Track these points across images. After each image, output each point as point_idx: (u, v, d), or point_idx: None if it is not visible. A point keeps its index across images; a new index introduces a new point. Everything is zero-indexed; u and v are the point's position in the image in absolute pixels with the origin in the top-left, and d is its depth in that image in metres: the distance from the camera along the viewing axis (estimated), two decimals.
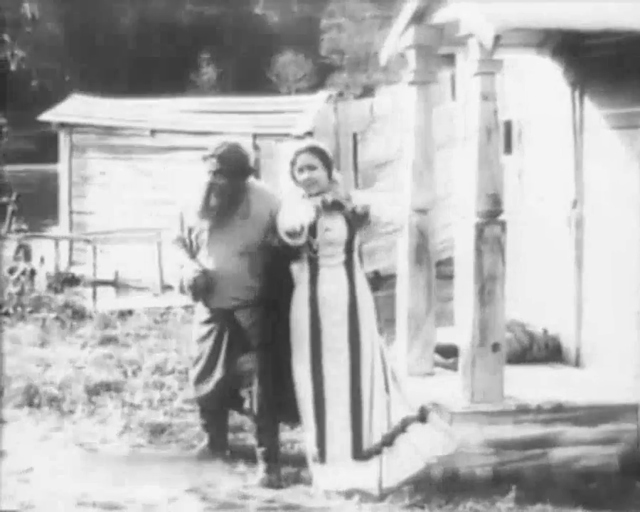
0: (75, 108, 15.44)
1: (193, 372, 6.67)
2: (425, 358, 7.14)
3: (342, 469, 6.16)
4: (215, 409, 6.75)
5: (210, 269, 6.40)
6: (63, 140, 15.18)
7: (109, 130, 14.79)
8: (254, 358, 6.41)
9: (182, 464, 6.70)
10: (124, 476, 6.47)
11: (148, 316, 11.12)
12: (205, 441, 6.83)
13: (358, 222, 6.21)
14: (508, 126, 7.85)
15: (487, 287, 6.28)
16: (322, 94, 13.58)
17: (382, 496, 6.01)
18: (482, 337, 6.29)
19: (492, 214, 6.31)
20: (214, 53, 30.92)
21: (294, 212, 6.23)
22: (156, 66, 29.11)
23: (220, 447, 6.77)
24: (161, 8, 30.73)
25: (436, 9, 6.94)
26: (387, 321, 7.66)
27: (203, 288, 6.39)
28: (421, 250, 7.12)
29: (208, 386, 6.53)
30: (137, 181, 14.32)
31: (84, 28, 29.24)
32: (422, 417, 6.29)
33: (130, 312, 11.34)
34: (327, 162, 6.31)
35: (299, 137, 12.20)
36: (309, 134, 12.23)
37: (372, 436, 6.18)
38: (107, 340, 9.98)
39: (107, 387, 8.24)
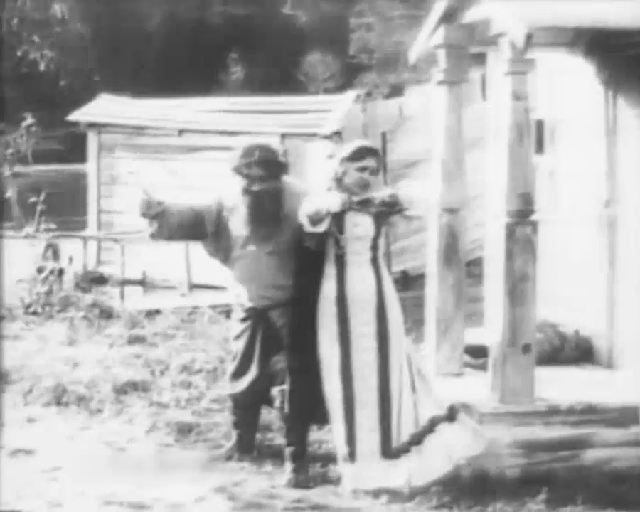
0: (104, 108, 15.46)
1: (230, 368, 6.71)
2: (454, 358, 7.10)
3: (371, 468, 6.14)
4: (247, 407, 6.73)
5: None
6: (92, 140, 15.20)
7: (138, 130, 14.80)
8: (285, 357, 6.39)
9: (209, 464, 6.67)
10: (151, 476, 6.45)
11: (176, 315, 11.11)
12: (233, 440, 6.79)
13: (388, 210, 6.18)
14: (539, 125, 7.79)
15: (518, 287, 6.24)
16: (350, 94, 13.54)
17: (411, 496, 5.98)
18: (512, 337, 6.26)
19: (523, 214, 6.27)
20: (242, 53, 30.91)
21: (318, 199, 6.23)
22: (184, 66, 29.14)
23: (248, 447, 6.74)
24: (189, 8, 30.76)
25: (466, 8, 6.90)
26: (415, 321, 7.62)
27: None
28: (451, 250, 7.08)
29: (242, 384, 6.54)
30: (165, 181, 14.31)
31: (113, 28, 29.32)
32: (451, 416, 6.23)
33: (158, 312, 11.33)
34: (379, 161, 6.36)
35: (327, 137, 12.19)
36: (337, 133, 12.20)
37: (400, 436, 6.15)
38: (134, 340, 9.97)
39: (135, 386, 8.24)
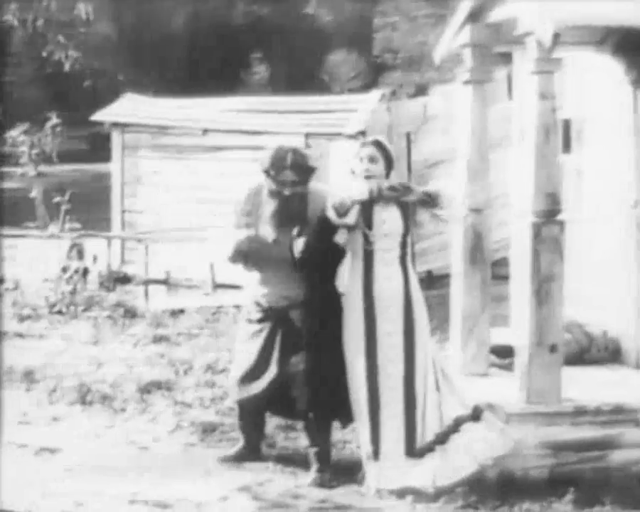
0: (127, 108, 15.49)
1: (237, 372, 6.56)
2: (480, 358, 7.06)
3: (395, 468, 6.12)
4: (260, 411, 6.68)
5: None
6: (116, 139, 15.24)
7: (161, 129, 14.82)
8: (306, 357, 6.36)
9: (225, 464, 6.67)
10: (175, 475, 6.45)
11: (200, 315, 11.12)
12: (241, 444, 6.76)
13: (426, 204, 6.21)
14: (566, 124, 7.74)
15: (544, 287, 6.20)
16: (375, 94, 13.50)
17: (436, 496, 5.96)
18: (539, 338, 6.21)
19: (550, 213, 6.23)
20: (266, 53, 30.88)
21: (345, 190, 6.25)
22: (208, 66, 29.15)
23: (255, 450, 6.72)
24: (213, 7, 30.76)
25: (492, 7, 6.87)
26: (440, 321, 7.59)
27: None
28: (476, 250, 7.04)
29: (259, 385, 6.44)
30: (189, 180, 14.33)
31: (137, 29, 29.37)
32: (476, 416, 6.20)
33: (182, 311, 11.35)
34: (388, 159, 6.30)
35: (351, 136, 12.16)
36: (362, 133, 12.17)
37: (425, 435, 6.14)
38: (158, 339, 9.99)
39: (159, 385, 8.25)
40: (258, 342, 6.48)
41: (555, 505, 5.87)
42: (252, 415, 6.69)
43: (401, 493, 6.02)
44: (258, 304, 6.52)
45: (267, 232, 6.43)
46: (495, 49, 7.17)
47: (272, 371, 6.40)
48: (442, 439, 6.12)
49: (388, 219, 6.19)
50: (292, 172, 6.30)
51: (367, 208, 6.20)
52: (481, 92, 7.08)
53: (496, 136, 7.86)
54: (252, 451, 6.70)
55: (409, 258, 6.27)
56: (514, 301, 7.02)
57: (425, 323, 6.27)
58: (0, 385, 7.36)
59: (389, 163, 6.29)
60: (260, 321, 6.51)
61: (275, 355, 6.41)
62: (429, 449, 6.11)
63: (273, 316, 6.45)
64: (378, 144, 6.30)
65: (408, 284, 6.21)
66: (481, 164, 7.03)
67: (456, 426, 6.15)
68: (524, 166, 6.39)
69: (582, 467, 6.19)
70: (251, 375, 6.48)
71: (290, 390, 6.40)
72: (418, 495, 5.98)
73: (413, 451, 6.13)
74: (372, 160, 6.23)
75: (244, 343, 6.58)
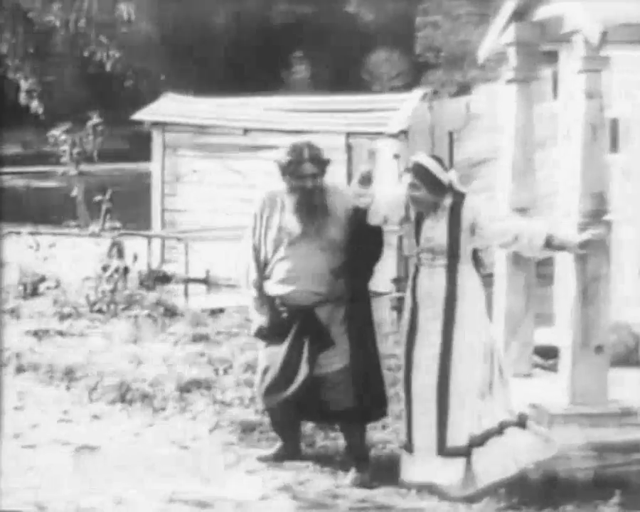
0: (168, 107, 15.53)
1: (266, 380, 6.47)
2: (524, 358, 6.99)
3: (426, 462, 6.11)
4: (289, 418, 6.61)
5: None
6: (156, 139, 15.28)
7: (202, 129, 14.84)
8: (342, 356, 6.31)
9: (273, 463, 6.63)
10: (215, 474, 6.42)
11: (240, 314, 11.08)
12: (279, 445, 6.73)
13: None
14: (614, 124, 7.65)
15: (590, 288, 6.14)
16: (417, 93, 13.43)
17: (470, 497, 5.94)
18: (585, 338, 6.17)
19: (597, 214, 6.17)
20: (307, 52, 30.91)
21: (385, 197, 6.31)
22: (249, 65, 29.23)
23: (294, 451, 6.68)
24: (253, 7, 30.83)
25: (538, 6, 6.80)
26: None
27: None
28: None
29: (292, 388, 6.33)
30: (229, 179, 14.34)
31: (178, 28, 29.50)
32: (521, 423, 6.13)
33: (221, 310, 11.34)
34: (429, 181, 6.15)
35: (393, 136, 12.11)
36: (403, 132, 12.12)
37: (459, 435, 6.05)
38: (198, 338, 9.98)
39: (198, 384, 8.23)
40: (284, 345, 6.40)
41: (600, 508, 5.81)
42: (284, 421, 6.64)
43: (424, 487, 6.05)
44: (284, 304, 6.45)
45: (285, 233, 6.40)
46: (540, 47, 7.09)
47: (303, 372, 6.31)
48: (479, 441, 6.06)
49: (433, 235, 6.15)
50: (311, 164, 6.31)
51: (418, 218, 6.21)
52: (526, 90, 7.02)
53: (541, 135, 7.76)
54: (290, 451, 6.66)
55: (460, 266, 6.16)
56: (559, 302, 6.94)
57: (476, 326, 6.17)
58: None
59: (433, 186, 6.14)
60: (286, 321, 6.44)
61: (305, 355, 6.33)
62: (463, 451, 6.06)
63: (299, 315, 6.38)
64: (417, 170, 6.16)
65: (454, 288, 6.13)
66: (526, 164, 6.96)
67: (500, 430, 6.09)
68: (570, 166, 6.33)
69: (628, 469, 6.13)
70: (279, 380, 6.39)
71: (320, 392, 6.34)
72: (442, 492, 6.00)
73: (444, 449, 6.08)
74: (414, 187, 6.15)
75: (266, 349, 6.53)
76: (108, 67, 18.57)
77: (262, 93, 15.94)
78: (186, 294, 12.47)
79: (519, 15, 6.91)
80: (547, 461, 6.03)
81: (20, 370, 8.86)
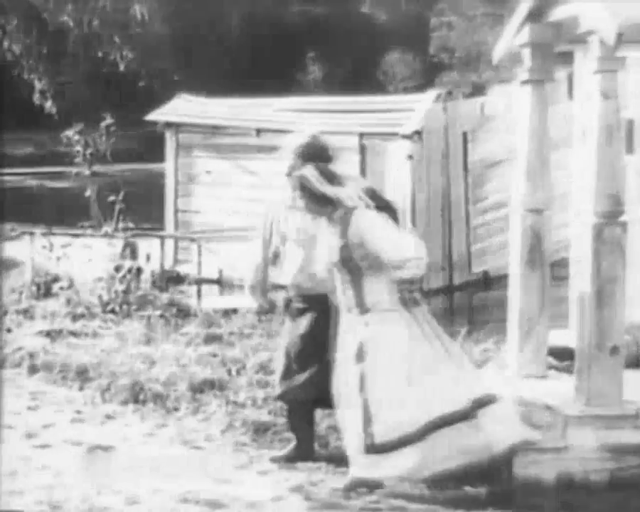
0: (181, 108, 15.56)
1: (284, 366, 6.54)
2: (538, 360, 6.94)
3: (362, 460, 6.00)
4: (306, 407, 6.63)
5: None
6: (169, 139, 15.31)
7: (215, 129, 14.87)
8: None
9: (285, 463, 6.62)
10: (227, 474, 6.41)
11: (253, 315, 11.08)
12: (293, 444, 6.72)
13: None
14: (630, 124, 7.60)
15: (606, 289, 6.11)
16: (431, 93, 13.42)
17: (424, 482, 5.94)
18: (600, 340, 6.14)
19: (612, 215, 6.14)
20: (320, 52, 30.90)
21: None
22: (262, 66, 29.24)
23: (307, 451, 6.67)
24: (267, 8, 30.83)
25: (553, 6, 6.75)
26: (497, 322, 7.50)
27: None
28: (534, 251, 6.92)
29: (312, 371, 6.39)
30: (242, 180, 14.35)
31: (192, 29, 29.53)
32: (486, 403, 5.93)
33: (234, 311, 11.32)
34: (309, 193, 6.11)
35: (406, 136, 12.09)
36: (417, 133, 12.10)
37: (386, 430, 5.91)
38: (211, 339, 9.96)
39: (211, 385, 8.22)
40: (301, 332, 6.46)
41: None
42: (301, 411, 6.64)
43: (367, 485, 6.04)
44: (298, 296, 6.49)
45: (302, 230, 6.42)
46: (555, 48, 7.05)
47: (323, 358, 6.31)
48: (419, 436, 5.87)
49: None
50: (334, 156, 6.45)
51: None
52: (541, 91, 6.97)
53: (556, 136, 7.73)
54: (304, 451, 6.64)
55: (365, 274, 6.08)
56: (573, 303, 6.90)
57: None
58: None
59: (314, 198, 6.08)
60: (303, 311, 6.48)
61: (322, 343, 6.34)
62: (394, 445, 5.90)
63: (316, 302, 6.40)
64: (300, 182, 6.13)
65: (360, 297, 6.05)
66: (541, 165, 6.92)
67: (442, 422, 5.87)
68: (586, 167, 6.30)
69: None
70: (299, 365, 6.46)
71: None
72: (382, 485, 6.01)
73: (370, 447, 5.94)
74: (299, 198, 6.16)
75: (286, 337, 6.60)
76: (122, 67, 18.61)
77: (276, 94, 15.95)
78: (199, 294, 12.48)
79: (534, 16, 6.87)
80: (562, 462, 6.01)
81: (33, 370, 8.86)
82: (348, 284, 6.06)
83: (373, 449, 5.94)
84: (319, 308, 6.38)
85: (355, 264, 5.99)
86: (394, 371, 5.92)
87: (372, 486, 6.04)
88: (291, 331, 6.55)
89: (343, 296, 6.11)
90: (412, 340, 5.96)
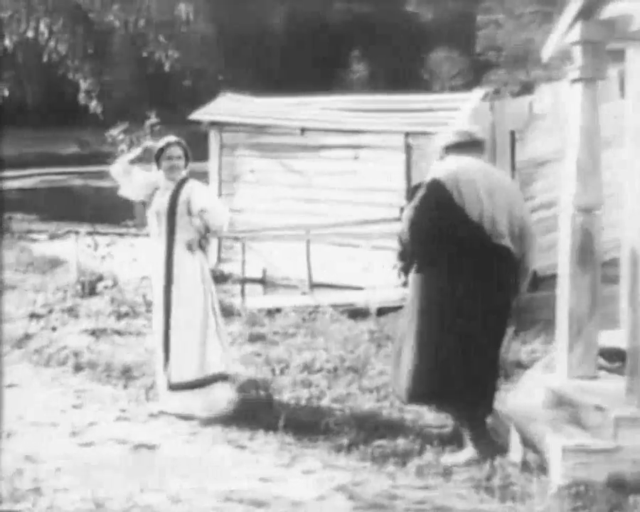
0: (226, 107, 15.54)
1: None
2: (588, 361, 6.84)
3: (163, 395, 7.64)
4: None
5: None
6: (213, 138, 15.30)
7: (259, 128, 14.83)
8: None
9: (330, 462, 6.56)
10: (271, 473, 6.35)
11: (297, 314, 11.03)
12: (468, 447, 6.62)
13: None
14: None
15: None
16: (478, 92, 13.30)
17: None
18: None
19: None
20: (365, 51, 30.83)
21: None
22: (307, 64, 29.23)
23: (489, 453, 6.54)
24: (311, 6, 30.81)
25: (605, 4, 6.66)
26: (546, 322, 7.40)
27: None
28: (585, 251, 6.83)
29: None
30: (286, 179, 14.30)
31: (236, 28, 29.56)
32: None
33: (278, 310, 11.28)
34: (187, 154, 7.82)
35: None
36: None
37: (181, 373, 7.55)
38: (255, 338, 9.93)
39: (255, 384, 8.16)
40: None
41: None
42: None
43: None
44: None
45: None
46: (607, 46, 6.93)
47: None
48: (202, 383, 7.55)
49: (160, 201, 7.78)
50: None
51: None
52: (593, 89, 6.88)
53: (607, 135, 7.61)
54: (485, 450, 6.52)
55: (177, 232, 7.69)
56: (625, 303, 6.78)
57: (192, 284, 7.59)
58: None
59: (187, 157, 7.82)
60: None
61: None
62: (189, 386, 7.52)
63: None
64: (180, 144, 7.77)
65: (170, 251, 7.66)
66: (592, 164, 6.82)
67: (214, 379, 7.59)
68: (637, 166, 6.18)
69: None
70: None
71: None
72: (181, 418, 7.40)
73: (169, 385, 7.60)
74: (179, 158, 7.73)
75: None
76: (166, 67, 18.63)
77: (320, 92, 15.90)
78: (243, 293, 12.44)
79: (586, 13, 6.77)
80: (614, 465, 5.91)
81: (78, 368, 8.88)
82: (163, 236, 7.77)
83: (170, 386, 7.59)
84: None
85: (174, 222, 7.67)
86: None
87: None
88: None
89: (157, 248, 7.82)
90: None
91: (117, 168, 7.99)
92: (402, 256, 6.65)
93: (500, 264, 6.40)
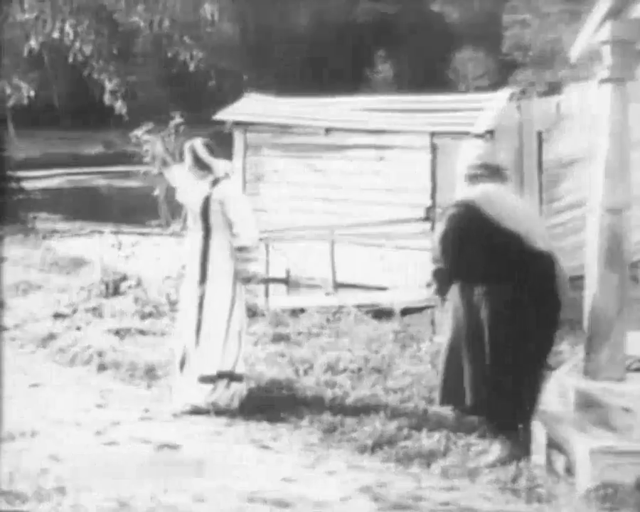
0: (250, 107, 15.52)
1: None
2: (615, 362, 6.77)
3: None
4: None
5: None
6: (238, 138, 15.28)
7: (284, 128, 14.79)
8: None
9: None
10: (294, 474, 6.33)
11: (321, 314, 11.01)
12: (497, 445, 6.65)
13: None
14: None
15: None
16: (504, 92, 13.21)
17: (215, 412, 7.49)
18: None
19: None
20: (390, 51, 30.77)
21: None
22: (331, 64, 29.21)
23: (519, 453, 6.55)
24: (336, 6, 30.79)
25: (635, 3, 6.58)
26: (572, 323, 7.34)
27: None
28: (613, 252, 6.76)
29: None
30: (311, 179, 14.27)
31: (260, 28, 29.58)
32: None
33: (302, 310, 11.26)
34: (194, 159, 7.84)
35: (479, 135, 11.91)
36: (490, 132, 11.93)
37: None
38: (278, 338, 9.92)
39: (279, 384, 8.14)
40: None
41: None
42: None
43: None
44: None
45: None
46: (637, 46, 6.86)
47: None
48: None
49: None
50: None
51: None
52: (622, 89, 6.81)
53: (637, 135, 7.53)
54: (515, 450, 6.54)
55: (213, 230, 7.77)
56: None
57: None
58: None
59: (197, 163, 7.90)
60: None
61: None
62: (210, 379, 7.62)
63: None
64: (190, 149, 7.90)
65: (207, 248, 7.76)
66: (621, 164, 6.76)
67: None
68: None
69: None
70: None
71: None
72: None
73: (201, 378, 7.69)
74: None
75: None
76: (191, 67, 18.63)
77: (345, 92, 15.87)
78: (267, 293, 12.41)
79: (615, 12, 6.70)
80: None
81: (102, 368, 8.88)
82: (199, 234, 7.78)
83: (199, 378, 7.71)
84: None
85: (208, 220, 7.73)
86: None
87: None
88: None
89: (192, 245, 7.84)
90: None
91: (172, 175, 8.22)
92: (437, 275, 6.62)
93: (542, 272, 6.43)
